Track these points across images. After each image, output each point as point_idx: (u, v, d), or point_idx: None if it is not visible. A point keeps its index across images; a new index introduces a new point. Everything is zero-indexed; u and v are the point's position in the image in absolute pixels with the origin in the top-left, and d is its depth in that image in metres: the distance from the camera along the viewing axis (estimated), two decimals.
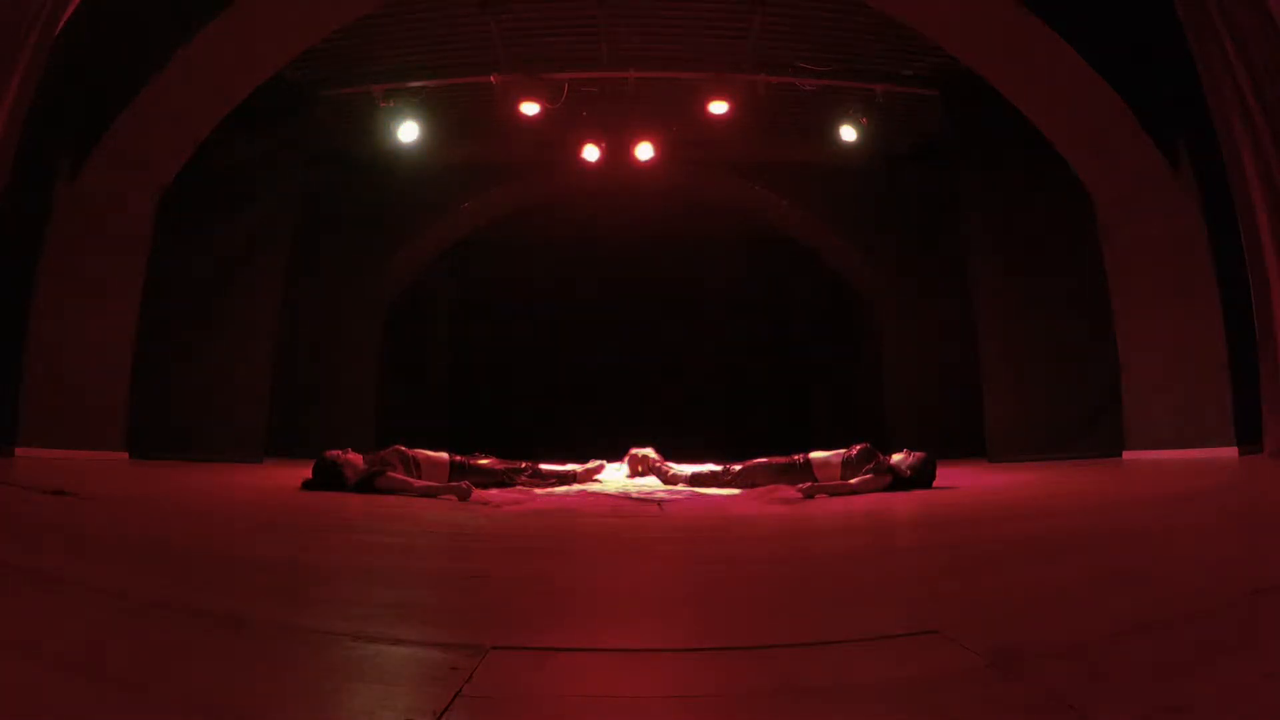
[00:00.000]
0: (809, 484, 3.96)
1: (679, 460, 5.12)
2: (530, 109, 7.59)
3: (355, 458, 4.06)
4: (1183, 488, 3.70)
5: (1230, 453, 5.30)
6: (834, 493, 3.89)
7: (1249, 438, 5.06)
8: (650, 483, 4.91)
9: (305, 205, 7.63)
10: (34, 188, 5.38)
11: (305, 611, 1.39)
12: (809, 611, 1.44)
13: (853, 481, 4.00)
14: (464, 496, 3.67)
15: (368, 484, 3.81)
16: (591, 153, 8.44)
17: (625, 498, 4.08)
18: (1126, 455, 6.09)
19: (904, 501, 3.57)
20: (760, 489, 4.10)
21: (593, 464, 5.09)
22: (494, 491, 4.09)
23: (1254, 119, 4.18)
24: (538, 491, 4.37)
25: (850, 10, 6.59)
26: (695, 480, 4.70)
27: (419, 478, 4.12)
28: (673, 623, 1.39)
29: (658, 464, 5.00)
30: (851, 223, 9.27)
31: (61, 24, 4.44)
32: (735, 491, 4.23)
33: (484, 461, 4.40)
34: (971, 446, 7.12)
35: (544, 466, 4.72)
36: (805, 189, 9.27)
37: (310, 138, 7.62)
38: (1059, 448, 6.52)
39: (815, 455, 4.40)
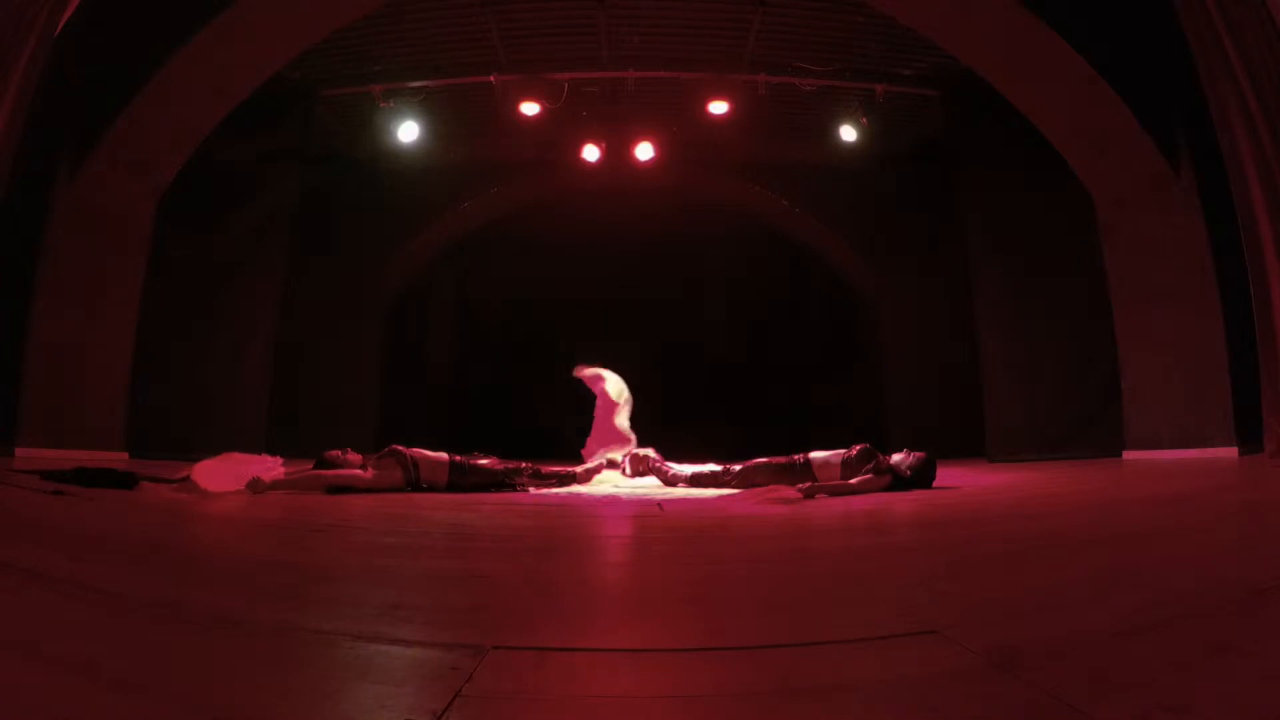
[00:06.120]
0: (809, 484, 3.96)
1: (679, 460, 5.12)
2: (530, 109, 7.60)
3: (355, 458, 4.07)
4: (1183, 488, 3.70)
5: (1230, 453, 5.31)
6: (834, 493, 3.89)
7: (1249, 438, 5.06)
8: (650, 483, 4.91)
9: (305, 205, 7.64)
10: (34, 188, 5.38)
11: (305, 611, 1.39)
12: (808, 611, 1.44)
13: (853, 481, 4.00)
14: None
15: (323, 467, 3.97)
16: (591, 153, 8.45)
17: (625, 498, 4.08)
18: (1126, 455, 6.10)
19: (904, 501, 3.57)
20: (760, 489, 4.09)
21: (593, 464, 5.09)
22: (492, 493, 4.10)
23: (1254, 119, 4.18)
24: (537, 491, 4.37)
25: (850, 10, 6.60)
26: (695, 480, 4.70)
27: (419, 478, 4.13)
28: (673, 622, 1.39)
29: (658, 464, 5.00)
30: (851, 223, 9.27)
31: (62, 24, 4.44)
32: (735, 491, 4.23)
33: (484, 461, 4.39)
34: (971, 446, 7.13)
35: (544, 466, 4.72)
36: (805, 189, 9.28)
37: (310, 138, 7.63)
38: (1059, 448, 6.52)
39: (815, 455, 4.40)
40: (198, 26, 5.71)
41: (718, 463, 4.86)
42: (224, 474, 3.66)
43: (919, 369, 8.72)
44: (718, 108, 7.64)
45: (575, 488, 4.63)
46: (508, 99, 7.57)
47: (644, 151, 8.42)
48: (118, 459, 5.54)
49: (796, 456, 4.44)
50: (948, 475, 4.46)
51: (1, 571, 1.55)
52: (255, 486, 3.64)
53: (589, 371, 5.69)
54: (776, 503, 3.63)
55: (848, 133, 8.08)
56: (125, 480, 3.74)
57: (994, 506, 3.33)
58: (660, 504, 3.59)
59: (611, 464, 5.23)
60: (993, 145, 7.14)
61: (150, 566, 1.85)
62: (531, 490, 4.39)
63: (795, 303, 10.88)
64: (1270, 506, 2.96)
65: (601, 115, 7.98)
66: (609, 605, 1.54)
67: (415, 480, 4.12)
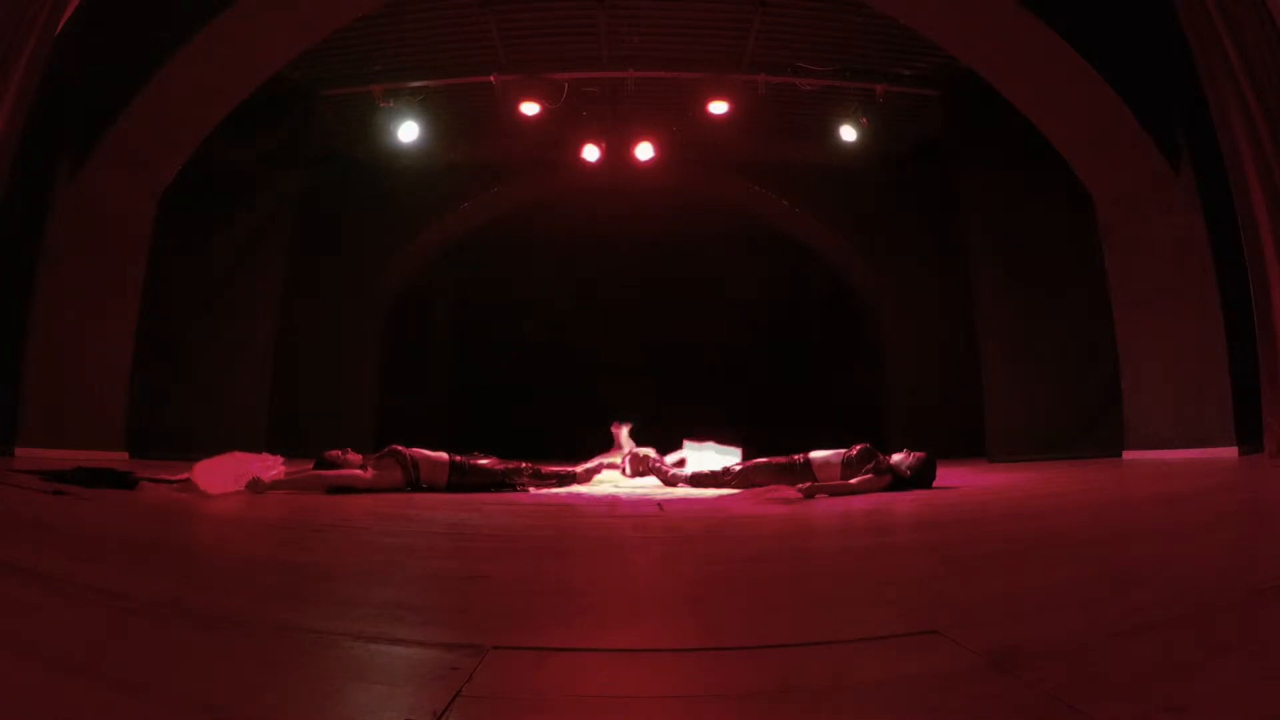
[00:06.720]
0: (809, 484, 3.96)
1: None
2: (530, 109, 7.60)
3: (355, 458, 4.07)
4: (1183, 488, 3.70)
5: (1230, 453, 5.30)
6: (834, 493, 3.89)
7: (1249, 438, 5.06)
8: (650, 483, 4.91)
9: (305, 205, 7.64)
10: (34, 188, 5.38)
11: (305, 611, 1.39)
12: (808, 611, 1.44)
13: (853, 481, 4.00)
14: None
15: (322, 467, 3.96)
16: (591, 153, 8.45)
17: (625, 498, 4.09)
18: (1126, 455, 6.10)
19: (904, 501, 3.57)
20: (760, 489, 4.09)
21: (593, 464, 5.10)
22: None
23: (1254, 119, 4.18)
24: (537, 491, 4.37)
25: (850, 10, 6.60)
26: (695, 480, 4.70)
27: (419, 478, 4.13)
28: (672, 623, 1.39)
29: (657, 464, 5.00)
30: (851, 223, 9.28)
31: (62, 24, 4.44)
32: (735, 491, 4.23)
33: (484, 461, 4.39)
34: (971, 446, 7.13)
35: (544, 466, 4.72)
36: (805, 189, 9.28)
37: (310, 138, 7.63)
38: (1059, 448, 6.52)
39: (815, 455, 4.40)
40: (198, 26, 5.71)
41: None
42: (224, 474, 3.66)
43: (919, 369, 8.72)
44: (718, 108, 7.64)
45: (575, 488, 4.63)
46: (508, 99, 7.57)
47: (644, 151, 8.42)
48: (118, 459, 5.54)
49: (796, 456, 4.44)
50: (948, 475, 4.46)
51: (1, 571, 1.55)
52: (255, 486, 3.65)
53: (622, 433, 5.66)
54: (776, 503, 3.63)
55: (848, 133, 8.08)
56: (125, 480, 3.74)
57: (994, 506, 3.33)
58: (660, 504, 3.59)
59: (611, 464, 5.23)
60: (993, 145, 7.14)
61: (150, 566, 1.85)
62: (531, 490, 4.39)
63: (795, 303, 10.88)
64: (1270, 506, 2.96)
65: (601, 115, 7.98)
66: (609, 605, 1.54)
67: (415, 480, 4.12)
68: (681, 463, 5.02)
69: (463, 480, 4.22)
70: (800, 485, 3.93)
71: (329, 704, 0.91)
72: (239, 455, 3.88)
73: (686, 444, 5.25)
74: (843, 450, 4.29)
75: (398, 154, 8.18)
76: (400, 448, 4.18)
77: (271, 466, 3.86)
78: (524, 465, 4.55)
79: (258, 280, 7.13)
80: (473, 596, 1.60)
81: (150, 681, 0.96)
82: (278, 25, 6.05)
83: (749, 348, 10.74)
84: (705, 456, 5.07)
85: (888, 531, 2.78)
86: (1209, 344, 5.59)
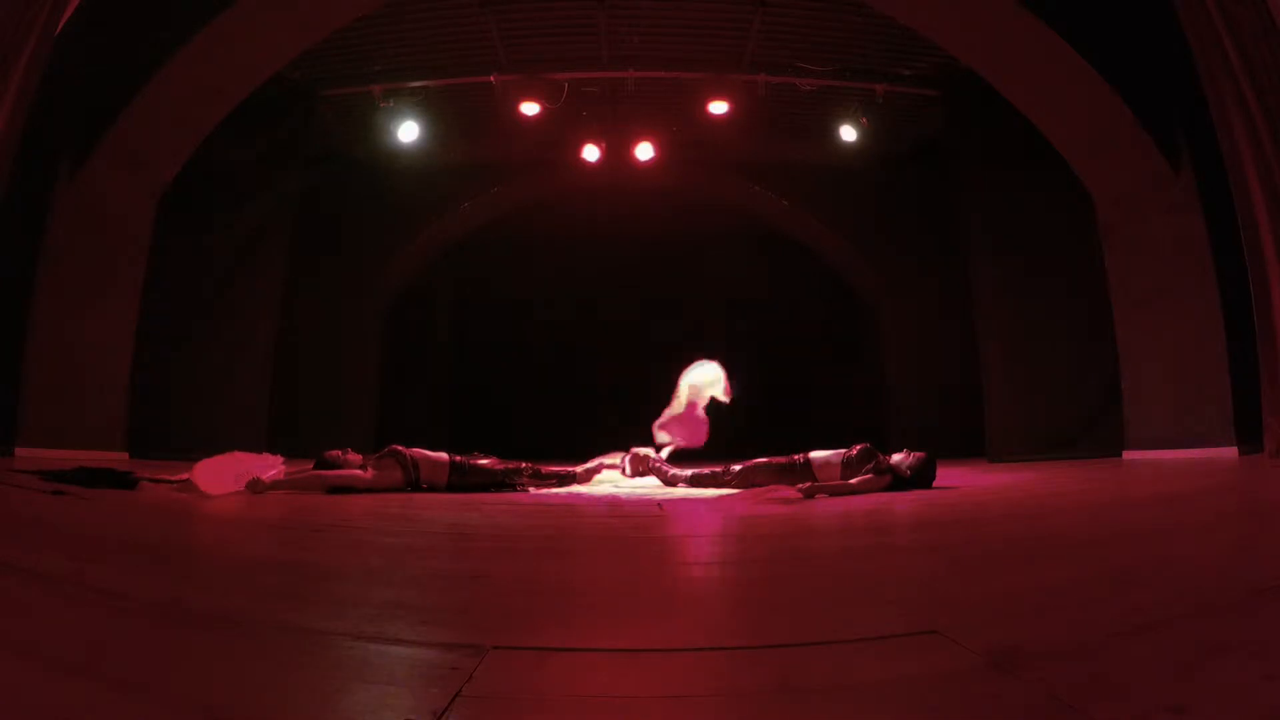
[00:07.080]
0: (809, 484, 3.96)
1: (679, 460, 5.13)
2: (530, 109, 7.60)
3: (355, 458, 4.07)
4: (1183, 488, 3.70)
5: (1230, 453, 5.30)
6: (834, 493, 3.89)
7: (1249, 438, 5.06)
8: (650, 483, 4.91)
9: (305, 205, 7.65)
10: (34, 188, 5.38)
11: (305, 611, 1.39)
12: (808, 611, 1.44)
13: (853, 481, 4.00)
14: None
15: (323, 467, 3.97)
16: (591, 153, 8.45)
17: (625, 498, 4.09)
18: (1126, 455, 6.10)
19: (904, 501, 3.57)
20: (760, 489, 4.09)
21: (593, 464, 5.09)
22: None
23: (1254, 119, 4.18)
24: (537, 491, 4.37)
25: (850, 10, 6.60)
26: (695, 480, 4.70)
27: (419, 478, 4.13)
28: (672, 622, 1.39)
29: (657, 464, 5.01)
30: (851, 223, 9.28)
31: (62, 24, 4.44)
32: (735, 491, 4.23)
33: (484, 461, 4.39)
34: (971, 446, 7.13)
35: (544, 466, 4.72)
36: (805, 189, 9.28)
37: (310, 138, 7.63)
38: (1059, 448, 6.53)
39: (815, 455, 4.40)
40: (198, 26, 5.71)
41: (718, 463, 4.87)
42: (224, 474, 3.66)
43: (919, 369, 8.72)
44: (718, 108, 7.65)
45: (575, 488, 4.63)
46: (508, 99, 7.58)
47: (644, 151, 8.42)
48: (118, 459, 5.54)
49: (796, 456, 4.44)
50: (948, 475, 4.46)
51: (1, 571, 1.55)
52: (255, 486, 3.65)
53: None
54: (776, 503, 3.63)
55: (848, 133, 8.08)
56: (125, 480, 3.74)
57: (994, 506, 3.33)
58: (660, 504, 3.59)
59: (611, 464, 5.23)
60: (993, 145, 7.14)
61: (150, 566, 1.85)
62: (531, 490, 4.39)
63: (795, 303, 10.88)
64: (1270, 506, 2.96)
65: (601, 115, 7.98)
66: (609, 605, 1.54)
67: (415, 480, 4.12)
68: (695, 413, 5.47)
69: (463, 480, 4.22)
70: (800, 485, 3.92)
71: (329, 704, 0.91)
72: (239, 455, 3.87)
73: (687, 371, 5.78)
74: (843, 450, 4.29)
75: (398, 154, 8.18)
76: (400, 448, 4.18)
77: (271, 466, 3.86)
78: (524, 465, 4.55)
79: (258, 280, 7.14)
80: (473, 596, 1.60)
81: (150, 681, 0.96)
82: (278, 25, 6.05)
83: (749, 347, 10.71)
84: (703, 372, 5.80)
85: (888, 531, 2.78)
86: (1209, 344, 5.59)
